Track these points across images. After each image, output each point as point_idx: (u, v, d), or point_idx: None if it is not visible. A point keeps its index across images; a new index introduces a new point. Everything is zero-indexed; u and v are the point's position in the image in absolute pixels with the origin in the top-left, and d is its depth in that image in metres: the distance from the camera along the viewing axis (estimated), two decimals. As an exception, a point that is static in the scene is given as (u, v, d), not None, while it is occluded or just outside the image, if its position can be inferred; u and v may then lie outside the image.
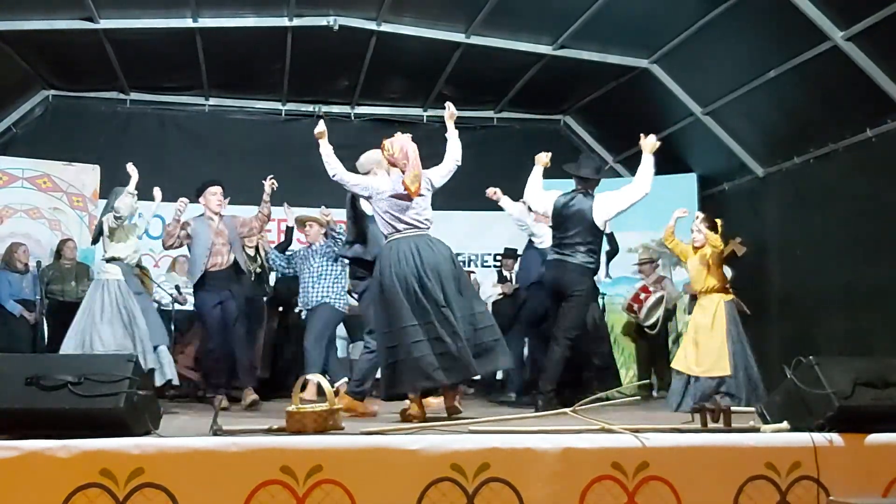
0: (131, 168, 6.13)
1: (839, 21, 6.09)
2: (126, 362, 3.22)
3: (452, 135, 5.05)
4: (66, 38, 7.69)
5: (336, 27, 7.73)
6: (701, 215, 6.16)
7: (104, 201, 7.32)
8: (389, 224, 4.79)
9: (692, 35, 7.28)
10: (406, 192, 4.72)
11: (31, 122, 8.94)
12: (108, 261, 6.11)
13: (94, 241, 6.46)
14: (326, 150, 4.91)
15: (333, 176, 4.91)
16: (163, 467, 2.92)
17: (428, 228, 4.84)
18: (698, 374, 5.75)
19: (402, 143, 4.86)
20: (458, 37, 7.98)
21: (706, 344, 5.76)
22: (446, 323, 4.54)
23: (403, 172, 4.76)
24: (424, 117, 9.67)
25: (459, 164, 5.02)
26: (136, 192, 6.11)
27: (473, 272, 9.39)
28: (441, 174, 4.95)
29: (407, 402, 4.79)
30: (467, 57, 8.25)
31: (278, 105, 9.55)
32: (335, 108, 9.65)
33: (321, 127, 4.98)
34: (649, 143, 5.66)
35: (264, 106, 9.59)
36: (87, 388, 3.07)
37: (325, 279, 6.64)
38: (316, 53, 8.25)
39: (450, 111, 5.03)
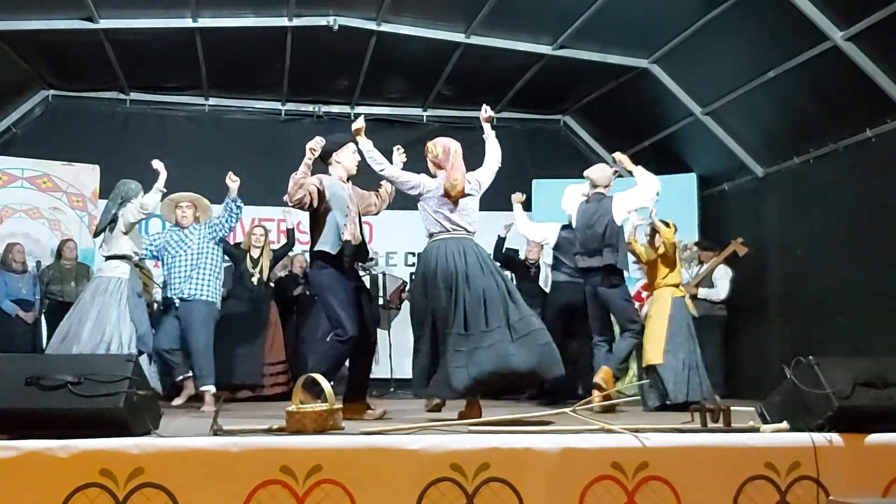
0: (158, 164, 5.85)
1: (839, 21, 6.09)
2: (126, 362, 3.22)
3: (490, 135, 5.03)
4: (66, 37, 7.69)
5: (336, 27, 7.72)
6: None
7: (104, 201, 7.31)
8: (438, 223, 4.70)
9: (692, 35, 7.27)
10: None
11: (30, 122, 8.94)
12: (118, 257, 5.76)
13: (97, 234, 5.98)
14: (368, 145, 4.77)
15: (381, 171, 4.78)
16: (163, 467, 2.92)
17: (474, 233, 4.76)
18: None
19: (445, 145, 4.82)
20: (458, 37, 7.98)
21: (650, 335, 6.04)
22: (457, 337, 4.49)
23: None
24: (424, 117, 9.67)
25: (500, 164, 5.00)
26: (165, 189, 5.90)
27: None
28: (487, 175, 4.93)
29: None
30: (467, 57, 8.25)
31: (278, 105, 9.56)
32: (335, 108, 9.65)
33: (360, 123, 4.82)
34: (624, 159, 5.93)
35: (264, 106, 9.59)
36: (87, 388, 3.07)
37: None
38: (316, 53, 8.25)
39: (487, 114, 4.98)
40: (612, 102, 8.88)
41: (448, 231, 4.69)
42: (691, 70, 7.83)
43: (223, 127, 9.48)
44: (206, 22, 7.66)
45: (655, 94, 8.29)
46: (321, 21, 7.72)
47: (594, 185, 5.89)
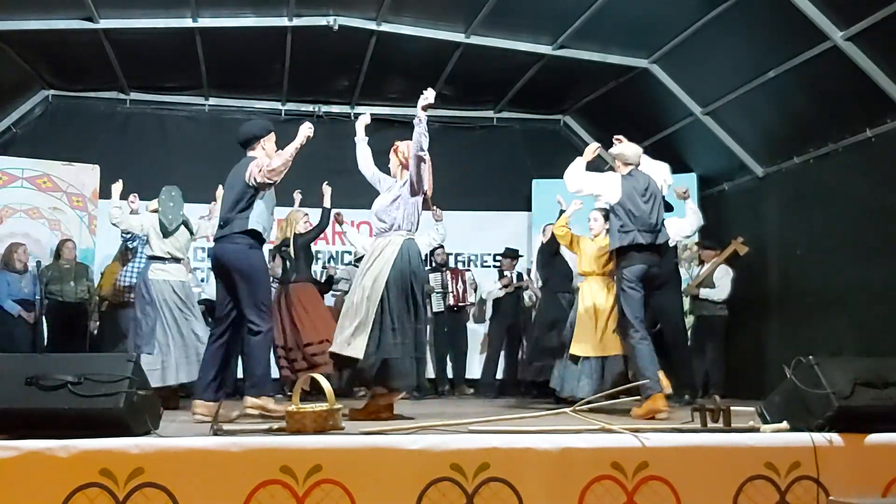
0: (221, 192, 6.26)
1: (839, 21, 6.09)
2: (126, 362, 3.22)
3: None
4: (66, 37, 7.69)
5: (336, 27, 7.72)
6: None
7: (105, 201, 7.30)
8: (417, 221, 4.93)
9: (692, 35, 7.28)
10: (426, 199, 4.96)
11: (31, 122, 8.94)
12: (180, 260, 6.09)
13: (169, 236, 6.08)
14: (425, 122, 4.78)
15: (424, 154, 4.76)
16: (163, 467, 2.92)
17: None
18: (606, 355, 5.92)
19: None
20: (458, 37, 7.98)
21: (611, 324, 5.90)
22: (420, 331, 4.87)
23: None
24: (424, 117, 9.66)
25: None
26: None
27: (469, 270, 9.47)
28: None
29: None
30: (467, 57, 8.25)
31: (278, 105, 9.55)
32: (335, 108, 9.65)
33: (431, 97, 4.74)
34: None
35: (264, 106, 9.59)
36: (87, 388, 3.07)
37: None
38: (316, 53, 8.25)
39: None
40: (612, 102, 8.88)
41: (411, 232, 4.94)
42: (691, 70, 7.84)
43: (223, 127, 9.43)
44: (206, 22, 7.65)
45: (655, 93, 8.29)
46: (321, 21, 7.72)
47: (626, 163, 5.61)
